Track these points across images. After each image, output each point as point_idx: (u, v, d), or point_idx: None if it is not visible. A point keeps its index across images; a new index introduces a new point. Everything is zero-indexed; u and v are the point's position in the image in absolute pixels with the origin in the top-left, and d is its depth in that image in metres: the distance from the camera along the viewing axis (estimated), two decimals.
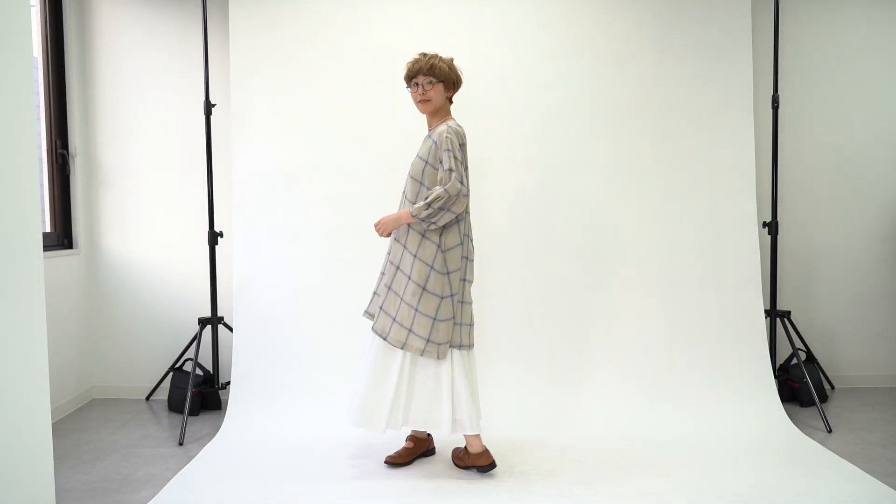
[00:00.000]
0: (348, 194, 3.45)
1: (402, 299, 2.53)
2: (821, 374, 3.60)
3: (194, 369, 3.24)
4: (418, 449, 2.76)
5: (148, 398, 3.72)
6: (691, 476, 2.53)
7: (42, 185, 3.55)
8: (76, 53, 3.66)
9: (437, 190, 2.45)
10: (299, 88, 3.47)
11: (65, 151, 3.62)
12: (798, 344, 3.62)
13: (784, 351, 3.61)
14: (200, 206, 3.66)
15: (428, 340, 2.48)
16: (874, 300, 3.84)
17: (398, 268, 2.57)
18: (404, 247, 2.56)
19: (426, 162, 2.53)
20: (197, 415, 3.40)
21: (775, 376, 3.36)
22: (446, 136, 2.49)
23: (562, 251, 3.44)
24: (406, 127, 3.37)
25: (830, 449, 2.81)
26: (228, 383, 3.41)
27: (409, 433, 2.84)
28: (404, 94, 3.46)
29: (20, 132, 1.55)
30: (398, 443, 2.86)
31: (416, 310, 2.49)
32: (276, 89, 3.48)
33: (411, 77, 2.60)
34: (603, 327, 3.39)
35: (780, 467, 2.60)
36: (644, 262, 3.44)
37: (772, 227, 3.41)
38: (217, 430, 3.10)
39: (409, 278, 2.52)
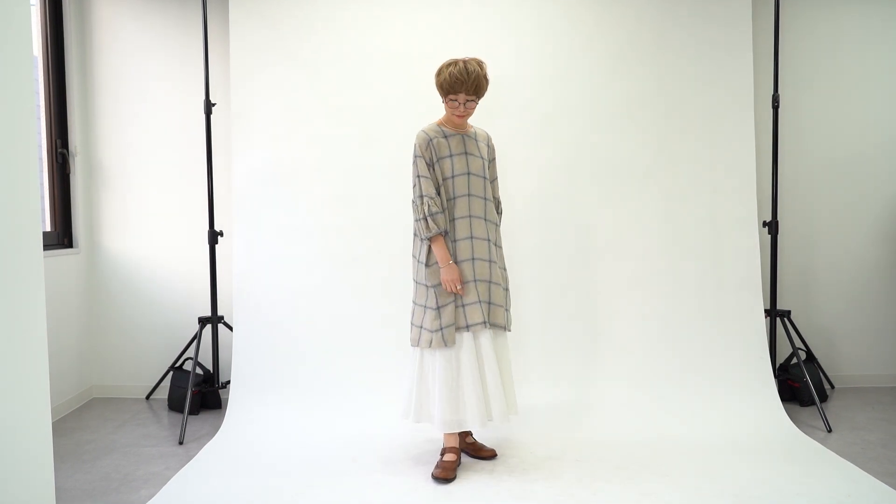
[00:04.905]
0: (348, 194, 3.45)
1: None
2: (821, 374, 3.60)
3: (194, 368, 3.24)
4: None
5: (148, 397, 3.72)
6: (691, 476, 2.53)
7: (42, 184, 3.55)
8: (76, 53, 3.65)
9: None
10: (300, 88, 3.47)
11: (65, 151, 3.62)
12: (798, 343, 3.62)
13: (784, 351, 3.61)
14: (200, 205, 3.66)
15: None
16: (874, 300, 3.84)
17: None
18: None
19: (490, 160, 2.72)
20: (197, 414, 3.40)
21: (775, 376, 3.36)
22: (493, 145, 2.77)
23: (562, 251, 3.44)
24: (406, 126, 3.37)
25: (830, 449, 2.81)
26: (228, 382, 3.41)
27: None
28: (404, 94, 3.48)
29: (20, 132, 1.55)
30: (401, 441, 2.86)
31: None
32: (277, 88, 3.48)
33: (452, 91, 2.46)
34: (602, 327, 3.39)
35: (779, 467, 2.60)
36: (644, 262, 3.44)
37: (772, 227, 3.41)
38: (217, 430, 3.10)
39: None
